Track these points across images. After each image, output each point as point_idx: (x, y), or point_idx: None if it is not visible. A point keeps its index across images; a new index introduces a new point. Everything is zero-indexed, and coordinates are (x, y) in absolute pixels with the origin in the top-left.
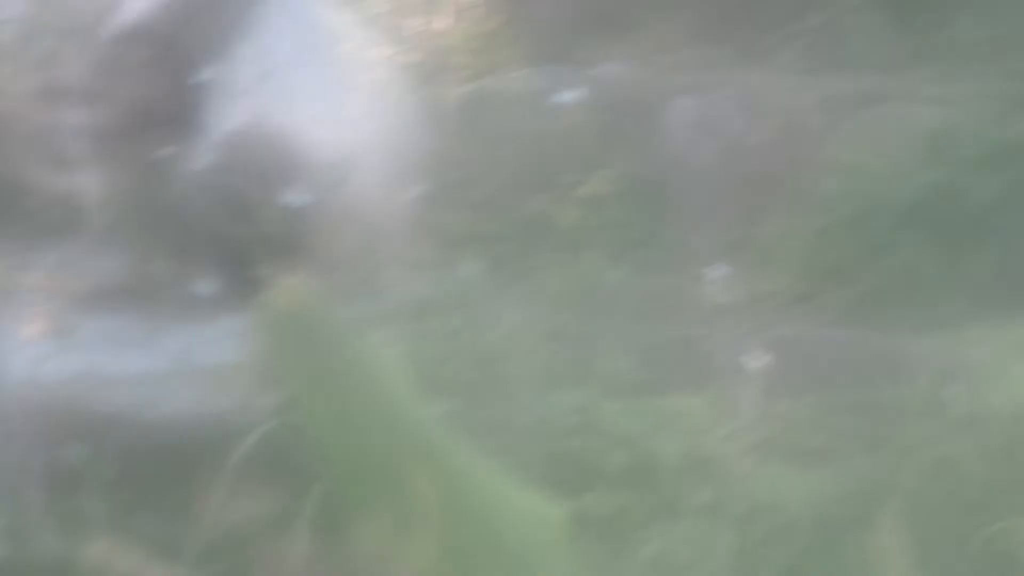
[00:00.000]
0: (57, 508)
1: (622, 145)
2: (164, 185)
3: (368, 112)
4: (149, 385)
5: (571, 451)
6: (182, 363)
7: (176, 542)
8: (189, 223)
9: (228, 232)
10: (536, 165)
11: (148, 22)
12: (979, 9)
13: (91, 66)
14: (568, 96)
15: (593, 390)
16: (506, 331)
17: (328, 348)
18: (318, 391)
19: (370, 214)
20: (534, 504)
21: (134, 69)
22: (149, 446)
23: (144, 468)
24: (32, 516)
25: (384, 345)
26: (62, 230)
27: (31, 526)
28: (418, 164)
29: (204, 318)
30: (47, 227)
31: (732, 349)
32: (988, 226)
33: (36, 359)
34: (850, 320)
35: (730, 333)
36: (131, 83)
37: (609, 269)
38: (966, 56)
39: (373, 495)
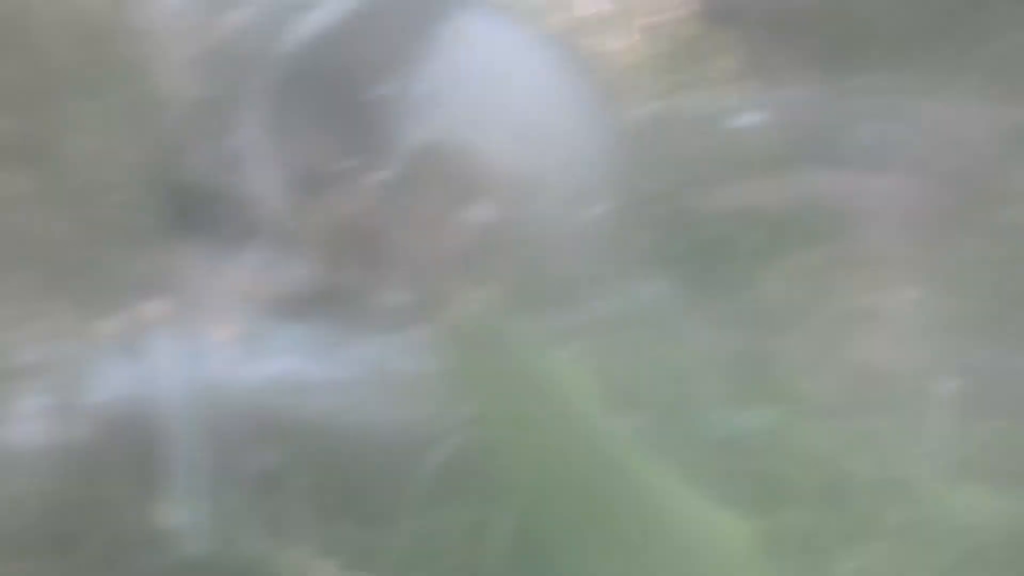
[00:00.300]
0: (252, 513)
1: (804, 168)
2: (353, 197)
3: (554, 129)
4: (339, 392)
5: (762, 469)
6: (372, 371)
7: (370, 550)
8: (375, 234)
9: (414, 244)
10: (719, 186)
11: (334, 33)
12: None
13: (274, 78)
14: (751, 118)
15: (783, 410)
16: (694, 349)
17: (514, 362)
18: (504, 405)
19: (556, 230)
20: (726, 522)
21: (319, 82)
22: (340, 454)
23: (336, 475)
24: (227, 520)
25: (571, 360)
26: (255, 235)
27: (227, 530)
28: (603, 182)
29: (394, 328)
30: (240, 232)
31: (923, 371)
32: None
33: (228, 363)
34: None
35: (920, 355)
36: (317, 96)
37: (796, 290)
38: None
39: (562, 508)
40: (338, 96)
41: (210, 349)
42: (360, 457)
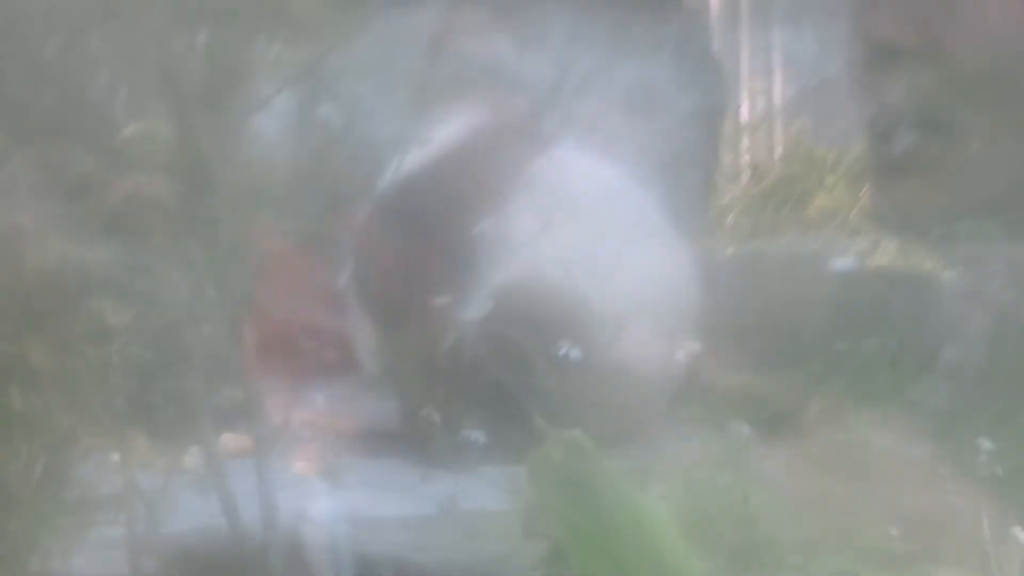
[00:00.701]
0: None
1: (894, 314)
2: (440, 333)
3: (644, 267)
4: (415, 529)
5: None
6: (449, 509)
7: None
8: (463, 372)
9: (501, 382)
10: (808, 330)
11: (428, 171)
12: None
13: (372, 215)
14: (843, 263)
15: (857, 557)
16: (773, 493)
17: (598, 502)
18: (587, 544)
19: (643, 370)
20: None
21: (414, 218)
22: None
23: None
24: None
25: (653, 501)
26: (337, 370)
27: None
28: (692, 322)
29: (473, 466)
30: (322, 366)
31: (1000, 521)
32: None
33: (306, 496)
34: None
35: (998, 505)
36: (411, 232)
37: (879, 435)
38: None
39: None
40: (432, 233)
41: (290, 482)
42: None
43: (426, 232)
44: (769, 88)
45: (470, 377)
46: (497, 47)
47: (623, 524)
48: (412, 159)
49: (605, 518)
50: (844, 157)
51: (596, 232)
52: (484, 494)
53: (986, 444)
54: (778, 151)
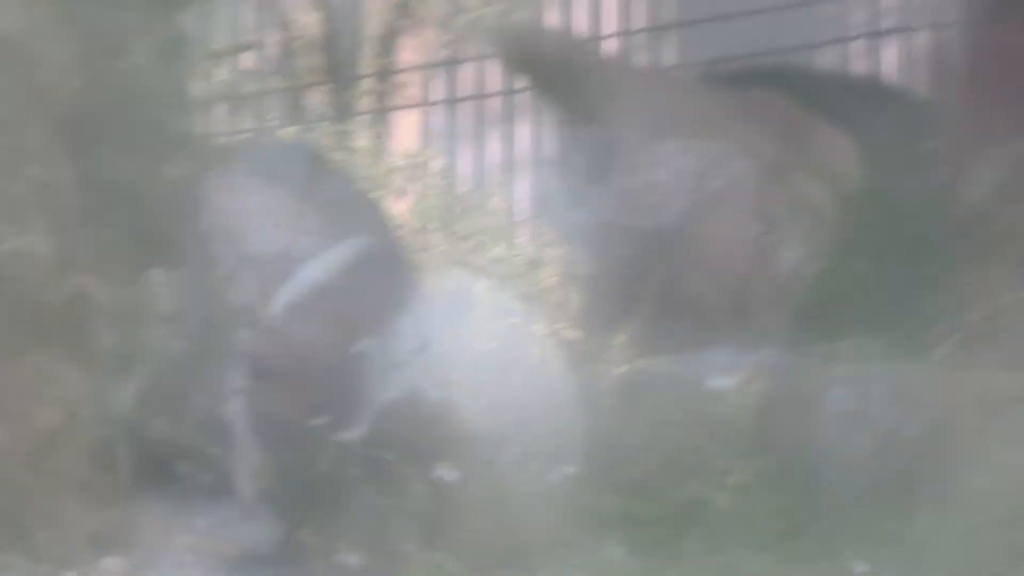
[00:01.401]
0: None
1: (775, 433)
2: (317, 454)
3: (524, 388)
4: None
5: None
6: None
7: None
8: (339, 493)
9: (376, 504)
10: (689, 450)
11: (313, 294)
12: None
13: (260, 336)
14: (724, 382)
15: None
16: None
17: None
18: None
19: (519, 493)
20: None
21: (298, 340)
22: None
23: None
24: None
25: None
26: (215, 494)
27: None
28: (571, 443)
29: None
30: (201, 490)
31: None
32: None
33: None
34: None
35: None
36: (294, 354)
37: (756, 559)
38: None
39: None
40: (317, 353)
41: None
42: None
43: (309, 352)
44: None
45: (346, 499)
46: None
47: None
48: (302, 279)
49: None
50: None
51: (476, 354)
52: None
53: (859, 567)
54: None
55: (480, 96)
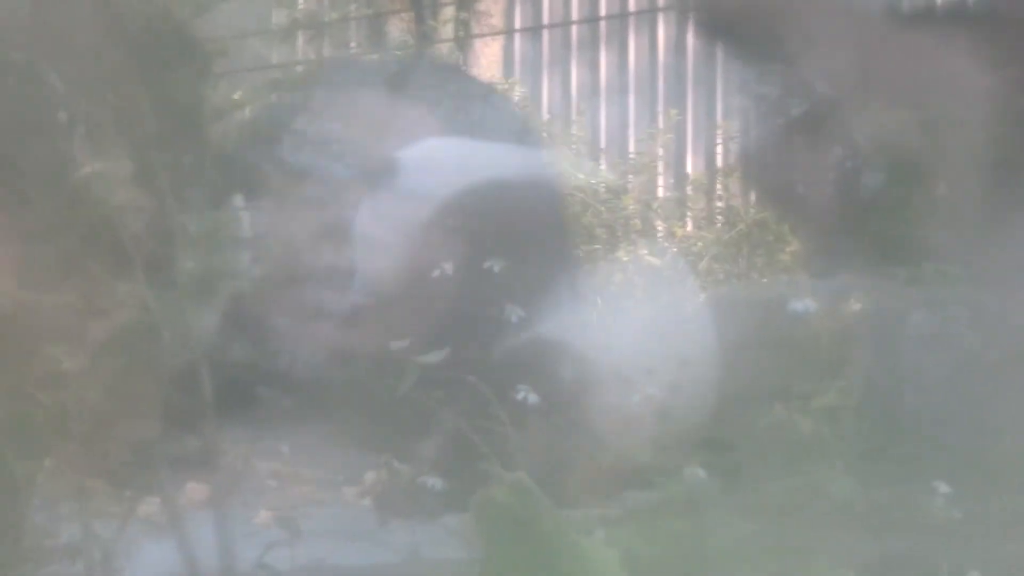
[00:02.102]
0: None
1: (857, 356)
2: (396, 378)
3: (608, 312)
4: None
5: None
6: (411, 557)
7: None
8: (419, 418)
9: (458, 428)
10: (772, 373)
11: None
12: None
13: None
14: (806, 305)
15: None
16: (731, 540)
17: (541, 544)
18: None
19: (602, 414)
20: None
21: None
22: None
23: None
24: None
25: (605, 548)
26: (296, 420)
27: None
28: (654, 367)
29: (433, 513)
30: (281, 416)
31: (959, 567)
32: None
33: (267, 546)
34: None
35: (957, 550)
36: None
37: (839, 481)
38: None
39: None
40: (417, 273)
41: (250, 532)
42: None
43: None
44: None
45: (426, 423)
46: None
47: (567, 567)
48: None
49: (548, 561)
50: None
51: (559, 279)
52: (445, 542)
53: (942, 487)
54: (751, 196)
55: (562, 24)
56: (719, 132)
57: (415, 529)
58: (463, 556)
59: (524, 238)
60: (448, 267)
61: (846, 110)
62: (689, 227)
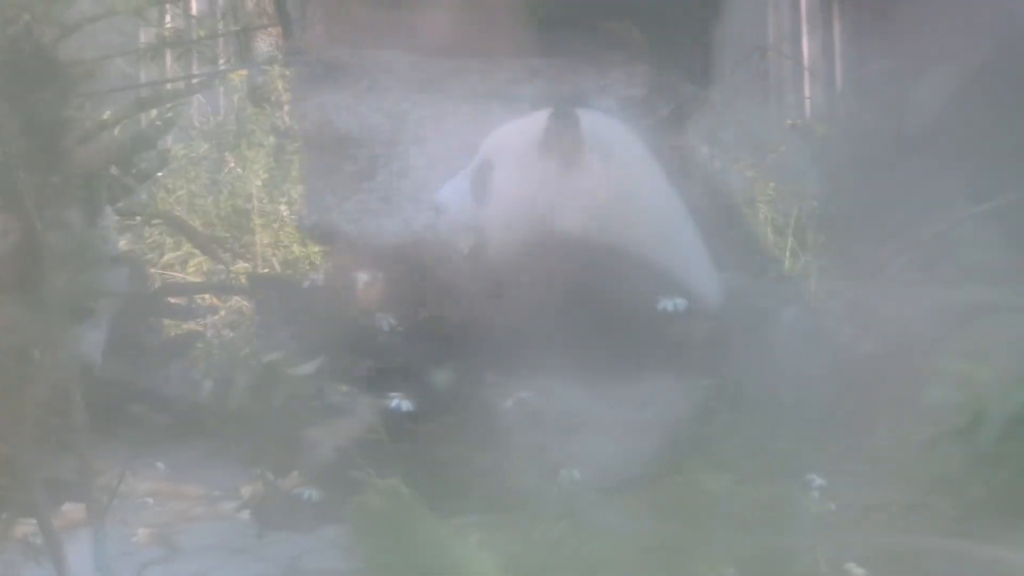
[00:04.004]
0: None
1: (731, 353)
2: (268, 388)
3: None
4: None
5: None
6: (291, 569)
7: None
8: (298, 429)
9: (331, 438)
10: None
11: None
12: None
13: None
14: (676, 304)
15: None
16: (609, 539)
17: (424, 553)
18: None
19: (478, 419)
20: None
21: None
22: None
23: None
24: None
25: (481, 553)
26: (171, 436)
27: None
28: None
29: (312, 524)
30: (157, 433)
31: (836, 559)
32: None
33: (145, 564)
34: (957, 532)
35: (835, 543)
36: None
37: (713, 478)
38: None
39: None
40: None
41: (129, 550)
42: None
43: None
44: None
45: (298, 435)
46: None
47: (443, 572)
48: None
49: (425, 566)
50: None
51: None
52: (325, 553)
53: (817, 481)
54: None
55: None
56: None
57: (295, 541)
58: (343, 567)
59: None
60: (319, 277)
61: (716, 109)
62: None
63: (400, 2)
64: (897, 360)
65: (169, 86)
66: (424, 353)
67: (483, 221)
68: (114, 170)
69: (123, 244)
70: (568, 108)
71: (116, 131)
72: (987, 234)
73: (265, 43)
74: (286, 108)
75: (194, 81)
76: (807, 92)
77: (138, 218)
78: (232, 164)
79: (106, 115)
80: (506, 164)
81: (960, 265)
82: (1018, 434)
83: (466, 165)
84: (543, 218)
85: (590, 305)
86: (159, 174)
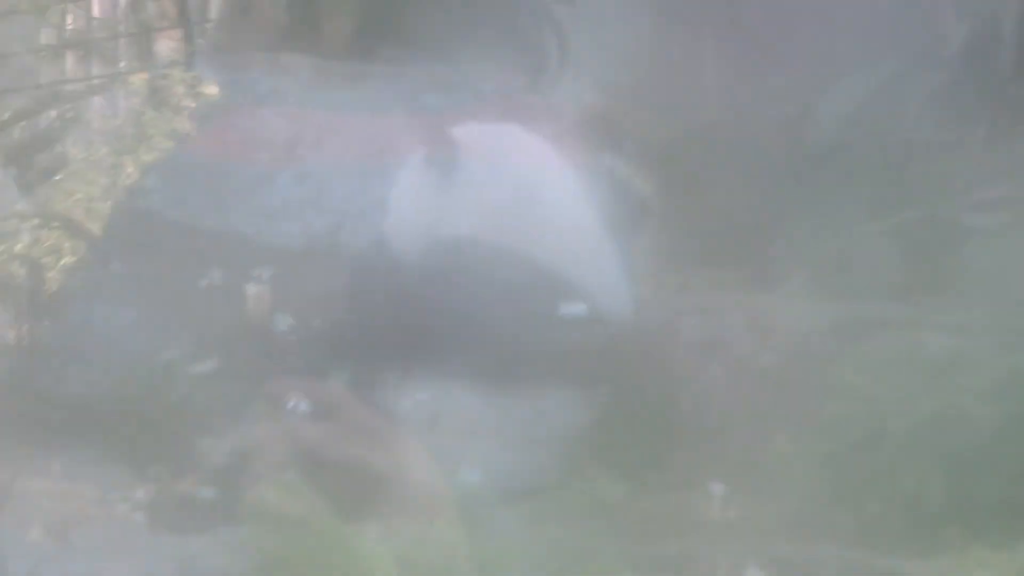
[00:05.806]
0: None
1: (631, 363)
2: (167, 389)
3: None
4: None
5: None
6: (184, 570)
7: None
8: (193, 430)
9: (227, 439)
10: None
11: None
12: (983, 240)
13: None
14: (575, 311)
15: None
16: (509, 545)
17: (320, 547)
18: None
19: (381, 419)
20: None
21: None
22: None
23: None
24: None
25: (377, 547)
26: (68, 437)
27: None
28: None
29: (206, 524)
30: (53, 433)
31: (733, 568)
32: (991, 454)
33: (38, 563)
34: (855, 542)
35: (732, 552)
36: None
37: (613, 487)
38: (973, 286)
39: None
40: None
41: (21, 550)
42: None
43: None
44: None
45: (203, 431)
46: None
47: (340, 565)
48: None
49: (322, 560)
50: None
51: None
52: (219, 552)
53: (717, 489)
54: None
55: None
56: None
57: (190, 541)
58: (239, 567)
59: None
60: (217, 277)
61: (614, 118)
62: None
63: (302, 7)
64: (795, 373)
65: (69, 87)
66: (322, 354)
67: (382, 226)
68: (13, 169)
69: (20, 247)
70: (463, 113)
71: (15, 131)
72: (885, 250)
73: (166, 46)
74: (185, 112)
75: (94, 83)
76: None
77: (36, 220)
78: (130, 168)
79: (5, 115)
80: (404, 169)
81: (858, 280)
82: (913, 448)
83: (370, 171)
84: (438, 223)
85: (487, 309)
86: (57, 177)
